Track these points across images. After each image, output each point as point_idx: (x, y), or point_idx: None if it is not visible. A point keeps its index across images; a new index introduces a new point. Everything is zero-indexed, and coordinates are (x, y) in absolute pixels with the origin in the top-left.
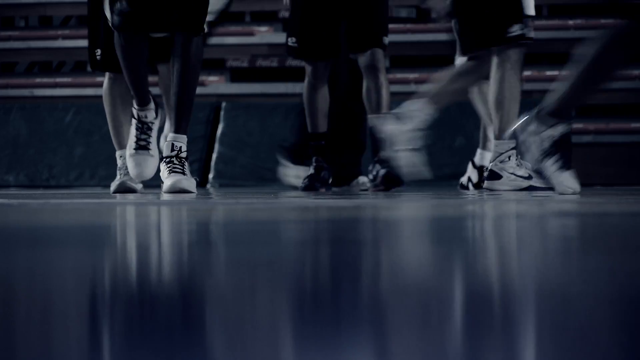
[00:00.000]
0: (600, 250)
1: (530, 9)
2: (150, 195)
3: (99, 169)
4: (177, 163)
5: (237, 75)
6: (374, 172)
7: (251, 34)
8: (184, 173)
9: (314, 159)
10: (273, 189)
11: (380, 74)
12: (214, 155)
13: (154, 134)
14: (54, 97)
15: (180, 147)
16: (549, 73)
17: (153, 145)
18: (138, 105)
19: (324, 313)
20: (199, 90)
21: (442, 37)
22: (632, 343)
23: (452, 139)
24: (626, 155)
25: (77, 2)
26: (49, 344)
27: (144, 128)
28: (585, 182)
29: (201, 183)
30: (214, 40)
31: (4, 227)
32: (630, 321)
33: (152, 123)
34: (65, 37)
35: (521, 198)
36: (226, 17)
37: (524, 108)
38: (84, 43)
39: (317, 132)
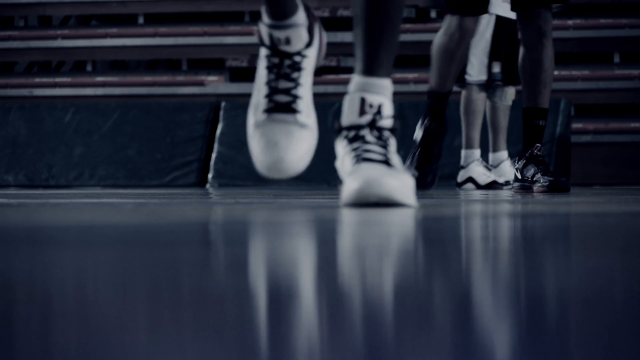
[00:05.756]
0: (599, 250)
1: None
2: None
3: (98, 168)
4: (374, 140)
5: (236, 75)
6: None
7: (250, 33)
8: (386, 162)
9: (428, 119)
10: (272, 189)
11: (545, 40)
12: (214, 155)
13: (306, 81)
14: (53, 96)
15: (380, 105)
16: None
17: (305, 105)
18: (271, 17)
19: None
20: (198, 90)
21: None
22: (632, 343)
23: (452, 139)
24: (626, 155)
25: (77, 2)
26: (49, 346)
27: (283, 67)
28: (585, 182)
29: (200, 183)
30: (213, 40)
31: (3, 227)
32: (630, 322)
33: (303, 57)
34: (64, 37)
35: (516, 198)
36: None
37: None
38: (83, 43)
39: (444, 92)
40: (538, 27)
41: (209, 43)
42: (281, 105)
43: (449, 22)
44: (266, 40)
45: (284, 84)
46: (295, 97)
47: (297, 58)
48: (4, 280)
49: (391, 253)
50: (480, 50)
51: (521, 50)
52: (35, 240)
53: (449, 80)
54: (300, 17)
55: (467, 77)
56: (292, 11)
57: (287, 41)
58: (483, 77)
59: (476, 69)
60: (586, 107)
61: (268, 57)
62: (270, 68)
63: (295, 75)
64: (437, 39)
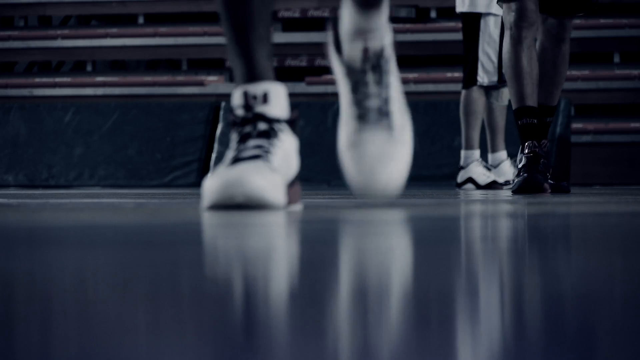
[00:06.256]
0: (599, 250)
1: None
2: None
3: (98, 168)
4: (375, 88)
5: None
6: None
7: None
8: (385, 115)
9: (526, 145)
10: None
11: (563, 45)
12: (213, 155)
13: (280, 145)
14: (53, 96)
15: (383, 46)
16: None
17: (275, 158)
18: (247, 78)
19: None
20: (198, 90)
21: (442, 37)
22: (632, 344)
23: (452, 139)
24: (626, 155)
25: (77, 2)
26: (49, 346)
27: (255, 130)
28: (585, 182)
29: (200, 183)
30: (213, 40)
31: (3, 227)
32: (630, 322)
33: (278, 131)
34: (64, 37)
35: (516, 198)
36: None
37: None
38: (83, 43)
39: (526, 106)
40: (557, 33)
41: (209, 43)
42: (248, 157)
43: (507, 35)
44: (239, 103)
45: (251, 151)
46: (267, 152)
47: (273, 126)
48: (4, 280)
49: (391, 253)
50: (491, 52)
51: (537, 49)
52: (35, 240)
53: (527, 92)
54: (280, 85)
55: (479, 79)
56: (269, 75)
57: (265, 98)
58: (494, 78)
59: (488, 71)
60: (586, 107)
61: (239, 124)
62: (240, 133)
63: (266, 141)
64: (503, 53)
